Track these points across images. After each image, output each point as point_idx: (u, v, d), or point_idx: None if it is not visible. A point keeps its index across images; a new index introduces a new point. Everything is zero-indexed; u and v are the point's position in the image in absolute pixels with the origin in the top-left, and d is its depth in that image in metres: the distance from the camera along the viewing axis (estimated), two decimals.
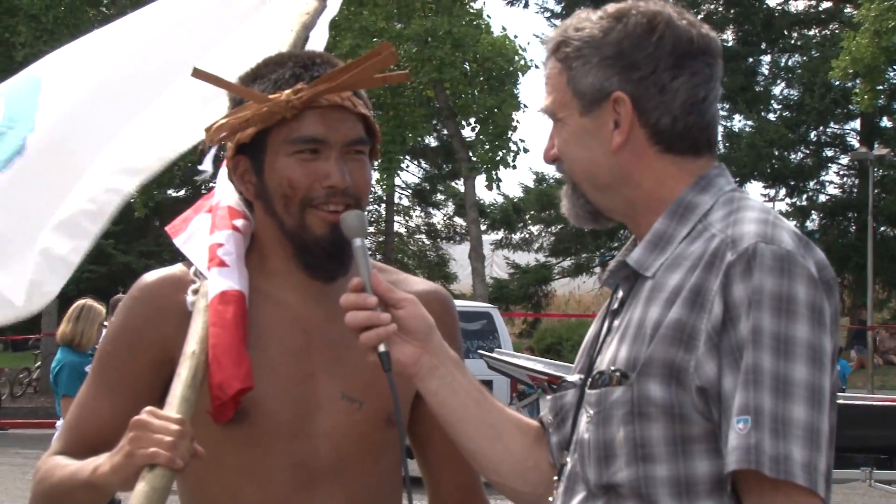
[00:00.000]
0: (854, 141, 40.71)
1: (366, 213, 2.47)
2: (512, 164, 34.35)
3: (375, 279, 2.23)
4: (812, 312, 1.97)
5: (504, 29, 34.69)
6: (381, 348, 2.21)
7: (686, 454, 2.01)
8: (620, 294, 2.21)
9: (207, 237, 2.50)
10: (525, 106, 35.64)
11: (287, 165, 2.38)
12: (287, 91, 2.37)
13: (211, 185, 2.77)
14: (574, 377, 2.27)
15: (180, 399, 2.27)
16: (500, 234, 42.71)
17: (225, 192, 2.59)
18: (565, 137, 2.20)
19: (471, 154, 35.17)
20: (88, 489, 2.29)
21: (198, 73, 2.48)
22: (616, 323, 2.17)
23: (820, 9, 42.35)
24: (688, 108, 2.15)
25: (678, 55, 2.14)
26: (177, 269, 2.54)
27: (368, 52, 2.41)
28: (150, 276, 2.53)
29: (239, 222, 2.51)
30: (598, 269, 38.53)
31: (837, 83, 35.72)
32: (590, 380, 2.15)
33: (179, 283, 2.49)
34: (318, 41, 2.98)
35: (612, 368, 2.08)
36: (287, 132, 2.38)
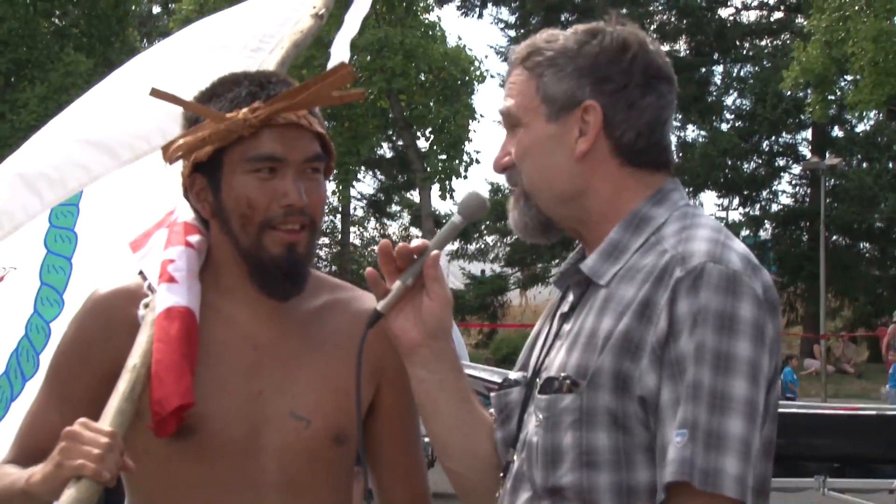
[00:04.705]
0: (806, 151, 41.06)
1: (320, 230, 2.49)
2: (464, 174, 34.43)
3: (434, 259, 2.25)
4: (755, 331, 2.02)
5: (459, 39, 34.84)
6: (379, 305, 2.26)
7: (628, 464, 2.06)
8: (571, 298, 2.25)
9: (161, 252, 2.50)
10: (481, 116, 35.78)
11: (245, 184, 2.38)
12: (244, 109, 2.37)
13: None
14: (517, 374, 2.33)
15: (115, 411, 2.29)
16: (456, 245, 42.74)
17: (182, 209, 2.59)
18: (526, 143, 2.23)
19: (425, 164, 35.23)
20: (24, 498, 2.30)
21: (156, 93, 2.48)
22: (566, 327, 2.21)
23: (771, 19, 42.73)
24: (652, 126, 2.20)
25: (649, 76, 2.20)
26: (131, 282, 2.54)
27: (325, 72, 2.42)
28: (104, 289, 2.53)
29: (193, 238, 2.50)
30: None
31: (789, 93, 36.02)
32: (539, 383, 2.19)
33: (133, 297, 2.49)
34: (339, 56, 3.05)
35: (563, 375, 2.12)
36: (244, 150, 2.38)
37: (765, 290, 2.08)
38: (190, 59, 3.04)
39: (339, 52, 3.21)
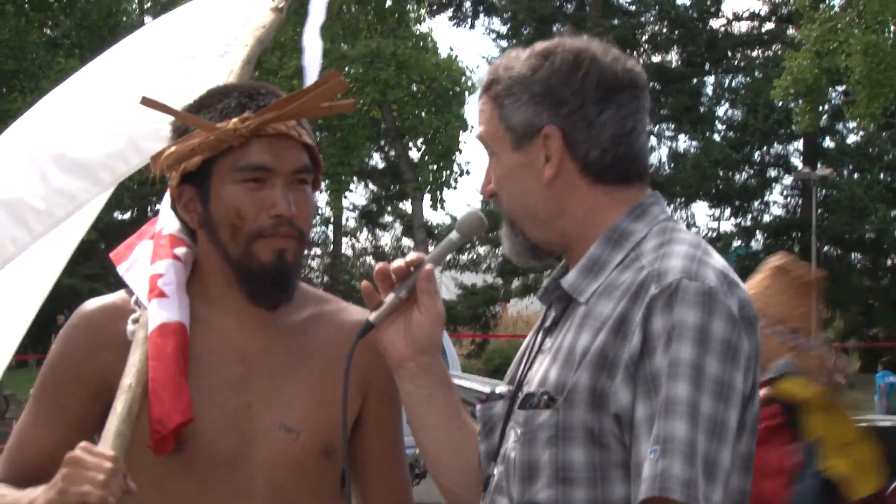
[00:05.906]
0: (797, 161, 41.17)
1: (308, 242, 2.49)
2: (454, 185, 34.53)
3: (429, 273, 2.25)
4: (725, 349, 2.02)
5: (451, 49, 34.95)
6: (371, 317, 2.25)
7: (604, 479, 2.06)
8: (553, 313, 2.26)
9: (148, 266, 2.48)
10: (472, 127, 35.85)
11: (234, 194, 2.38)
12: (234, 119, 2.37)
13: (157, 208, 2.75)
14: (503, 388, 2.32)
15: (115, 434, 2.27)
16: (448, 256, 42.72)
17: (167, 220, 2.57)
18: (500, 173, 2.25)
19: (417, 175, 35.28)
20: None
21: (146, 102, 2.47)
22: (548, 343, 2.22)
23: (763, 30, 42.85)
24: (616, 139, 2.20)
25: (604, 90, 2.20)
26: (117, 297, 2.52)
27: (316, 81, 2.42)
28: (91, 305, 2.52)
29: (180, 251, 2.49)
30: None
31: (780, 104, 36.11)
32: (519, 399, 2.19)
33: (120, 312, 2.47)
34: (312, 54, 3.03)
35: (541, 391, 2.13)
36: (234, 160, 2.38)
37: (741, 307, 2.07)
38: (158, 71, 3.01)
39: (311, 41, 3.17)
